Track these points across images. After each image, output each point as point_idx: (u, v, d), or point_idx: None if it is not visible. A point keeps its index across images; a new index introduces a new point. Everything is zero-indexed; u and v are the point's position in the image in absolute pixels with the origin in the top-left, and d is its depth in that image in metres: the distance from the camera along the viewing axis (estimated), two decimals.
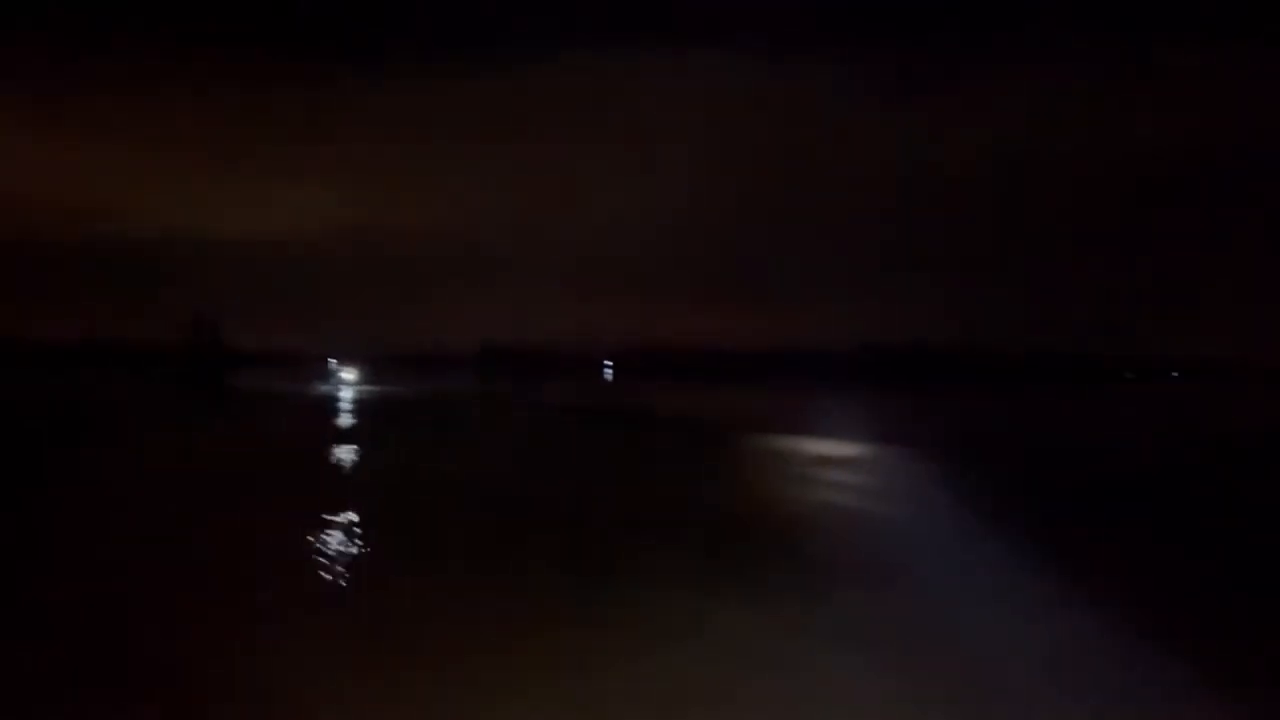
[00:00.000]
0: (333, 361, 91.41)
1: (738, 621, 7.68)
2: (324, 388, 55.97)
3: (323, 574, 9.26)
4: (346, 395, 46.83)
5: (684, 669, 6.56)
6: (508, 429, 30.01)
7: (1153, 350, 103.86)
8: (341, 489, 15.64)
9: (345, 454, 20.27)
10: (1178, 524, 13.07)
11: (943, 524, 12.22)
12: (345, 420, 30.65)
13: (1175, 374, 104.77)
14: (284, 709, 5.89)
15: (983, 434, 30.24)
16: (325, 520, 11.83)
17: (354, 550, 10.45)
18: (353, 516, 12.25)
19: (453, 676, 6.44)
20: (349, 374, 74.55)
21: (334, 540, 10.85)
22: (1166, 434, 30.24)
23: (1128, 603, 8.34)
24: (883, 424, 27.88)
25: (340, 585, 8.95)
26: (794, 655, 6.91)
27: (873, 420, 28.77)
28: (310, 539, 10.82)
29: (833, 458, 19.95)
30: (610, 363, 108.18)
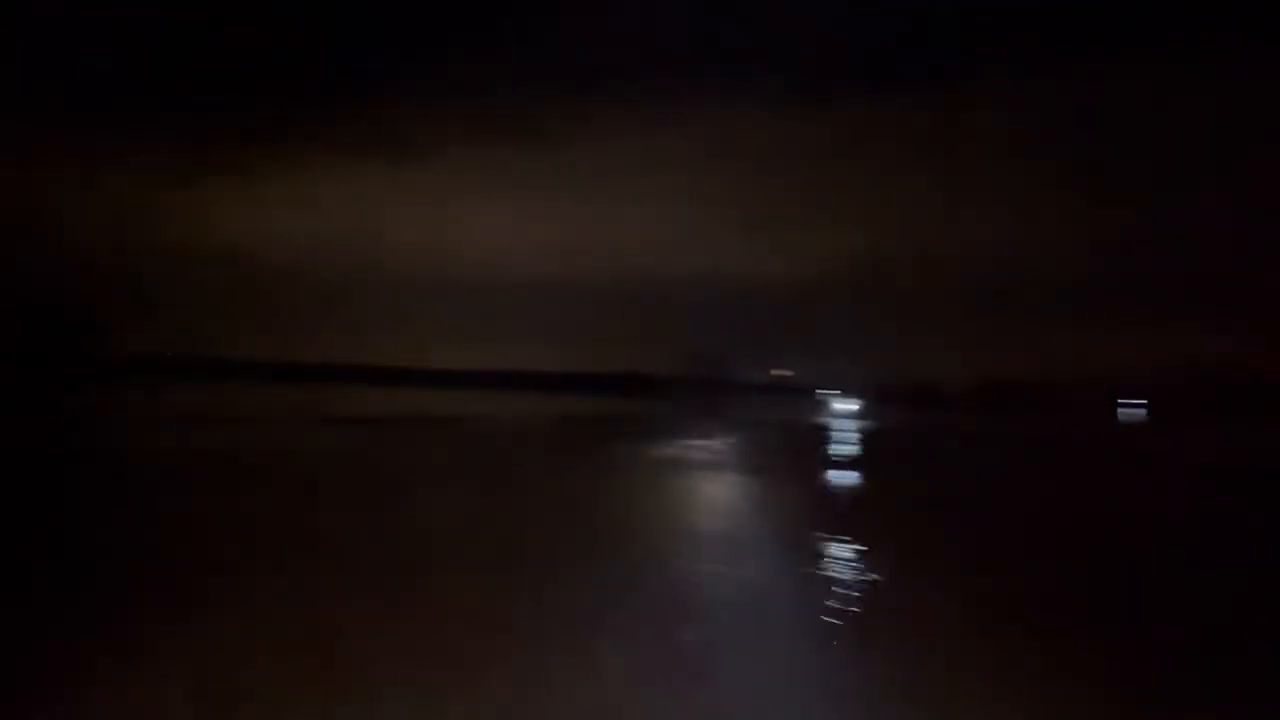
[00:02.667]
0: (829, 393, 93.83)
1: None
2: (819, 418, 57.84)
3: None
4: (839, 426, 48.10)
5: None
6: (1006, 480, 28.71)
7: None
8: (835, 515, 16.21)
9: (839, 477, 21.02)
10: None
11: None
12: (836, 449, 31.49)
13: None
14: None
15: None
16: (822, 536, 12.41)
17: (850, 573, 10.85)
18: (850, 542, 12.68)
19: None
20: (845, 406, 76.22)
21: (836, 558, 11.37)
22: None
23: None
24: None
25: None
26: None
27: None
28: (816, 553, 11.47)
29: None
30: (1136, 401, 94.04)
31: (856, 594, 9.21)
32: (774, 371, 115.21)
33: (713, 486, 19.05)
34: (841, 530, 12.65)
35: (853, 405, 76.50)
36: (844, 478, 21.40)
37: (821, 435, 39.67)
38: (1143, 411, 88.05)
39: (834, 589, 9.36)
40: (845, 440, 36.23)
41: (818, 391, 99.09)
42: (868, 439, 38.99)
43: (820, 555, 11.10)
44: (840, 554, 11.20)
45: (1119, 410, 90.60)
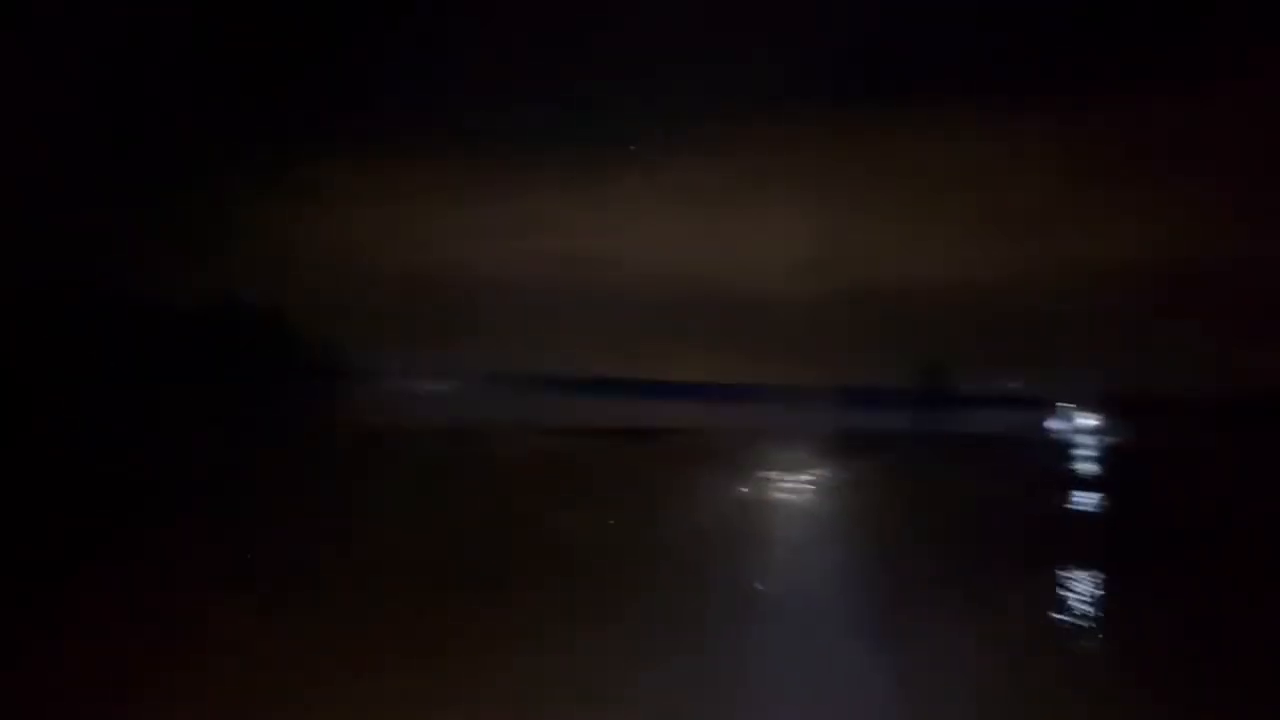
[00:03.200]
0: (1066, 406, 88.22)
1: None
2: (1054, 433, 54.50)
3: None
4: (1076, 441, 45.07)
5: None
6: None
7: None
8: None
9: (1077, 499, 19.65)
10: None
11: None
12: (1073, 467, 29.66)
13: None
14: None
15: None
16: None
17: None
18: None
19: None
20: (1083, 420, 71.35)
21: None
22: None
23: None
24: None
25: None
26: None
27: None
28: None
29: None
30: None
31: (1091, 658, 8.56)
32: (1006, 383, 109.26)
33: (938, 507, 18.30)
34: (1078, 567, 11.78)
35: (1092, 419, 71.37)
36: (1083, 500, 19.92)
37: (1057, 451, 37.24)
38: None
39: (1065, 644, 8.75)
40: (1083, 457, 33.88)
41: (1053, 404, 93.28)
42: (1109, 456, 36.28)
43: (1055, 597, 10.35)
44: (1077, 598, 10.41)
45: None
